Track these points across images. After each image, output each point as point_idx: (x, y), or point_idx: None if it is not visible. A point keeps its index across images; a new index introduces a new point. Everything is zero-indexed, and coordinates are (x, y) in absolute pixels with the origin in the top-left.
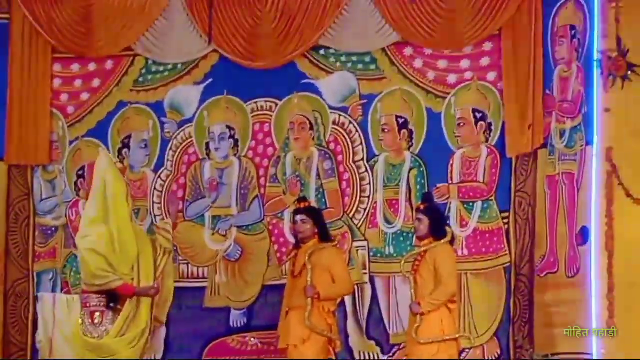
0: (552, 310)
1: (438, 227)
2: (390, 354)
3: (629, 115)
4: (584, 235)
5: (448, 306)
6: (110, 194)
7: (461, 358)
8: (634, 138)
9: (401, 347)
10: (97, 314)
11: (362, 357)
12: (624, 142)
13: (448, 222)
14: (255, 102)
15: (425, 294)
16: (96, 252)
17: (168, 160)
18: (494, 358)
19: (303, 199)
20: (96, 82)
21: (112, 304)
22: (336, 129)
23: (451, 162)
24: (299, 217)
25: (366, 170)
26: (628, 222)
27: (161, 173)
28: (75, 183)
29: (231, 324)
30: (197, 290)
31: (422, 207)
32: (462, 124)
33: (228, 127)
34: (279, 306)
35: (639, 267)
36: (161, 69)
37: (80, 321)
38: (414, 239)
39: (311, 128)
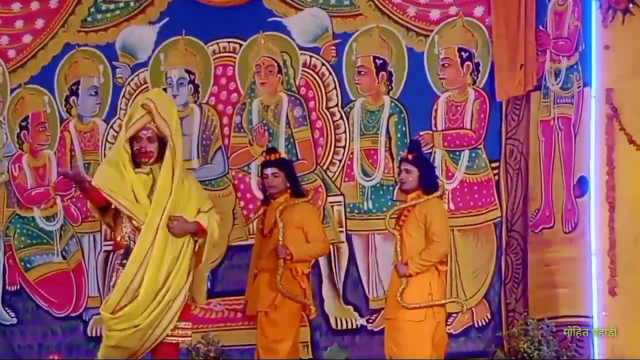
0: (548, 270)
1: (429, 179)
2: (370, 320)
3: (631, 52)
4: (582, 186)
5: (438, 268)
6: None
7: (448, 324)
8: (636, 78)
9: (382, 312)
10: (114, 273)
11: (339, 324)
12: (626, 83)
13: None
14: (217, 43)
15: (413, 253)
16: None
17: (121, 108)
18: (483, 323)
19: (272, 150)
20: (40, 23)
21: (125, 261)
22: (307, 72)
23: (435, 107)
24: (268, 170)
25: (341, 118)
26: (631, 170)
27: (113, 123)
28: (18, 135)
29: None
30: None
31: (409, 156)
32: (446, 65)
33: (187, 71)
34: (246, 269)
35: None
36: (112, 7)
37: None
38: (396, 192)
39: (279, 71)
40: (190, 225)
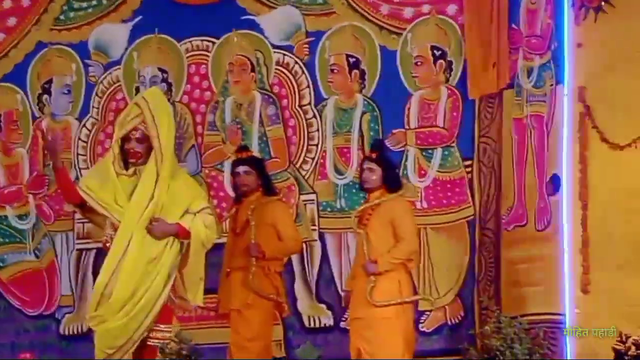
0: (521, 267)
1: (393, 177)
2: (343, 319)
3: (603, 50)
4: (555, 184)
5: (406, 265)
6: None
7: (421, 321)
8: (609, 76)
9: None
10: None
11: (312, 323)
12: (598, 81)
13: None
14: (190, 41)
15: (382, 251)
16: None
17: (94, 107)
18: (457, 320)
19: (244, 148)
20: (12, 21)
21: None
22: (280, 70)
23: (408, 105)
24: (240, 169)
25: (314, 116)
26: (603, 168)
27: (86, 121)
28: None
29: None
30: None
31: (373, 155)
32: (419, 63)
33: (160, 69)
34: (219, 267)
35: (616, 219)
36: (85, 5)
37: None
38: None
39: (252, 69)
40: (170, 227)
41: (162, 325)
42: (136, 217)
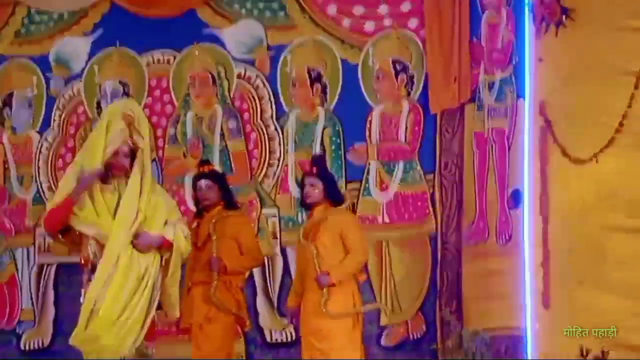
0: (482, 282)
1: (334, 191)
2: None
3: (564, 65)
4: (516, 198)
5: (357, 277)
6: None
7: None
8: (569, 90)
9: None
10: (83, 289)
11: (274, 337)
12: (559, 95)
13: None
14: (151, 55)
15: (333, 263)
16: None
17: (55, 120)
18: (419, 335)
19: (206, 162)
20: None
21: (92, 277)
22: (242, 84)
23: (369, 119)
24: (202, 183)
25: (275, 130)
26: (564, 183)
27: (47, 135)
28: None
29: None
30: None
31: (314, 170)
32: (381, 77)
33: (121, 82)
34: (181, 282)
35: (577, 233)
36: (46, 18)
37: None
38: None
39: (214, 83)
40: (155, 239)
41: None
42: (124, 232)
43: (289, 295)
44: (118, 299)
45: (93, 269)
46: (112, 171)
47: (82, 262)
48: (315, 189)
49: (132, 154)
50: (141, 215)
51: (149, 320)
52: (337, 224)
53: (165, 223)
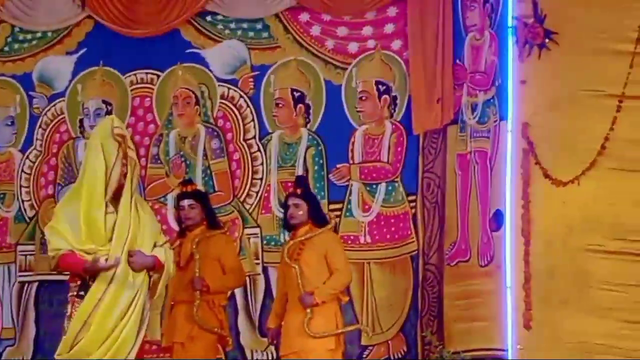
0: (464, 303)
1: (318, 212)
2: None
3: (547, 87)
4: (498, 219)
5: (339, 297)
6: None
7: (364, 356)
8: (552, 112)
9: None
10: (69, 304)
11: (255, 356)
12: (542, 117)
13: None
14: (135, 74)
15: (317, 284)
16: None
17: (37, 139)
18: (399, 355)
19: (188, 182)
20: None
21: (82, 292)
22: (225, 104)
23: (352, 139)
24: (185, 202)
25: (258, 150)
26: (546, 205)
27: (29, 153)
28: None
29: None
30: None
31: (298, 191)
32: (364, 98)
33: (104, 101)
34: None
35: (558, 255)
36: (29, 37)
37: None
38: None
39: (197, 103)
40: (149, 259)
41: None
42: (119, 251)
43: (270, 316)
44: (110, 315)
45: (82, 285)
46: (115, 194)
47: (71, 277)
48: (300, 210)
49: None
50: (131, 235)
51: (140, 340)
52: (322, 244)
53: (154, 246)
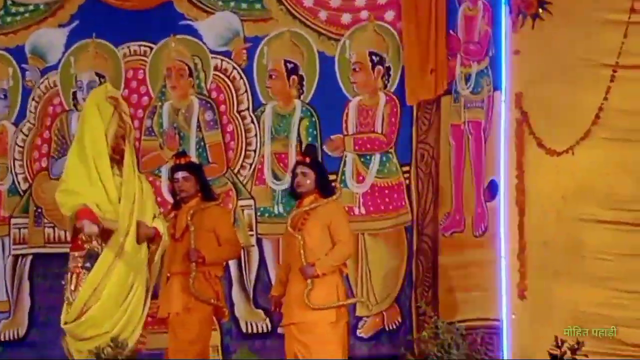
0: (458, 273)
1: (326, 182)
2: (281, 324)
3: (540, 57)
4: (492, 189)
5: (342, 269)
6: None
7: (359, 327)
8: (545, 83)
9: None
10: (73, 276)
11: (249, 328)
12: (535, 87)
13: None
14: (128, 47)
15: (319, 255)
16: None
17: (30, 111)
18: (394, 326)
19: (182, 154)
20: None
21: (88, 264)
22: (218, 76)
23: (346, 110)
24: (179, 174)
25: (252, 121)
26: (540, 174)
27: (23, 126)
28: None
29: None
30: (64, 256)
31: (307, 159)
32: (357, 69)
33: (97, 74)
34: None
35: (553, 224)
36: (21, 9)
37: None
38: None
39: (190, 75)
40: (150, 231)
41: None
42: (127, 219)
43: (274, 284)
44: (122, 286)
45: (89, 256)
46: (119, 155)
47: (73, 247)
48: (307, 179)
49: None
50: (137, 199)
51: (146, 309)
52: (327, 215)
53: (154, 217)
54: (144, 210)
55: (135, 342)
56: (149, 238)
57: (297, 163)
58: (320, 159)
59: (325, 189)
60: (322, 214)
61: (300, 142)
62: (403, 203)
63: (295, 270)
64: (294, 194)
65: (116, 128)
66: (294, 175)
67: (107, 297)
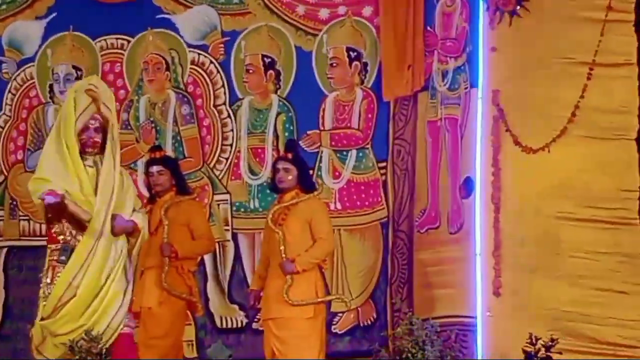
0: (433, 270)
1: (307, 178)
2: (256, 319)
3: (517, 54)
4: (468, 186)
5: (321, 265)
6: None
7: (334, 323)
8: (522, 80)
9: None
10: (49, 269)
11: (224, 323)
12: (512, 84)
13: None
14: (105, 39)
15: (299, 251)
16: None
17: (7, 104)
18: (369, 322)
19: (158, 148)
20: None
21: (63, 257)
22: (195, 70)
23: (323, 106)
24: (154, 168)
25: (228, 116)
26: (516, 172)
27: None
28: None
29: None
30: (39, 249)
31: (289, 155)
32: (334, 64)
33: (74, 67)
34: None
35: (528, 222)
36: None
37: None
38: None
39: (167, 68)
40: (129, 224)
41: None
42: (104, 212)
43: (253, 278)
44: (97, 279)
45: (64, 249)
46: (85, 147)
47: (49, 240)
48: (289, 175)
49: (104, 130)
50: (115, 196)
51: (125, 303)
52: (308, 211)
53: (133, 210)
54: (122, 204)
55: (110, 335)
56: (128, 232)
57: (279, 158)
58: None
59: (306, 184)
60: (303, 209)
61: (277, 137)
62: (379, 199)
63: (275, 265)
64: (274, 189)
65: (88, 120)
66: (276, 170)
67: (83, 292)
